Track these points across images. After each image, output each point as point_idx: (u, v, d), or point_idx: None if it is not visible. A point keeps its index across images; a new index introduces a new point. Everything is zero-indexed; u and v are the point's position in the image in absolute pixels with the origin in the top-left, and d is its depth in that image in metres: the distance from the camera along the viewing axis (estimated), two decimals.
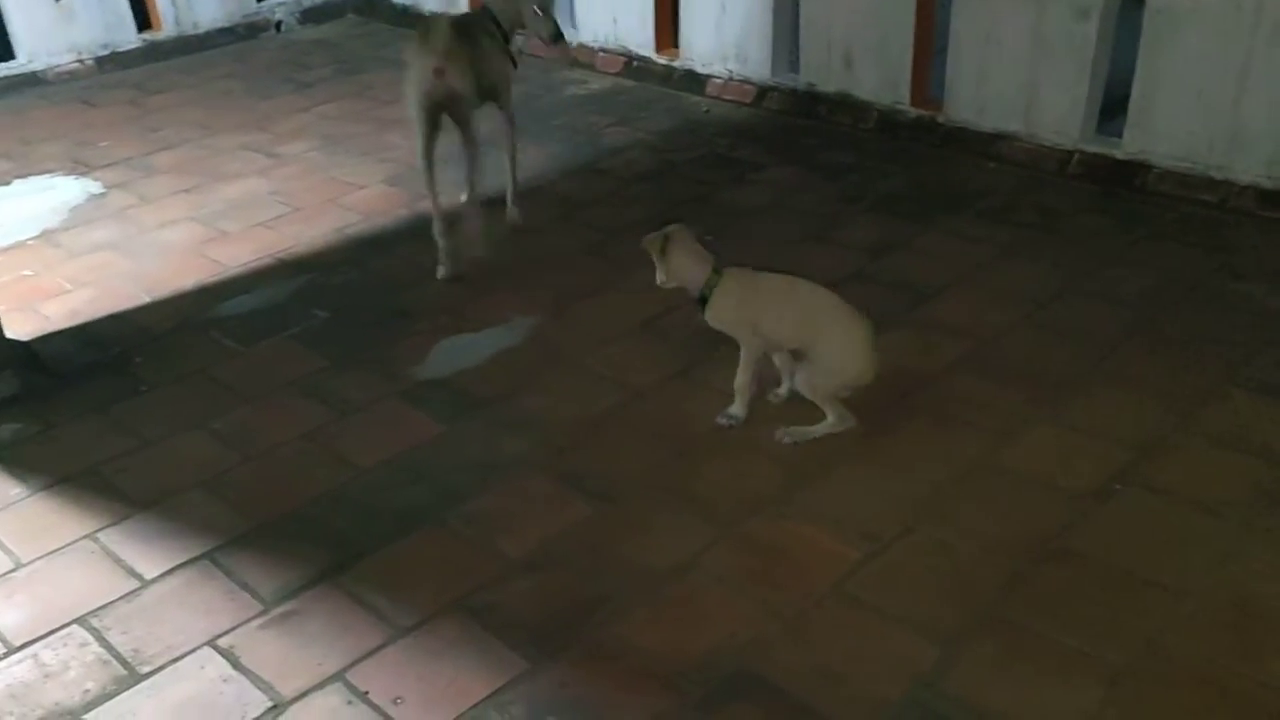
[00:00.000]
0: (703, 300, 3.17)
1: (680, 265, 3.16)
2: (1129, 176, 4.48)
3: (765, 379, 3.26)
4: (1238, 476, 2.85)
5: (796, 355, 3.15)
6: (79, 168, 5.38)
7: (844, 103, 5.38)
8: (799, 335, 3.11)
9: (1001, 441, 3.05)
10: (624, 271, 4.11)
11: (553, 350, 3.66)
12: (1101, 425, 3.08)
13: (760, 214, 4.55)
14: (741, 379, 3.21)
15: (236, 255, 4.44)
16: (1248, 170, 4.21)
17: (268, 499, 3.02)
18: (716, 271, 3.17)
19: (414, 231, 4.60)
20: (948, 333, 3.59)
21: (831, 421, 3.09)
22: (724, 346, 3.28)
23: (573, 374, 3.52)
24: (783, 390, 3.28)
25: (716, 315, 3.19)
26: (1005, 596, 2.52)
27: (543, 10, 4.34)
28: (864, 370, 3.05)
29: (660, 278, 3.21)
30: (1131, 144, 4.48)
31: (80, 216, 4.86)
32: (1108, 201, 4.42)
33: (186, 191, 5.08)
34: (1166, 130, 4.37)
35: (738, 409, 3.23)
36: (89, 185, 5.18)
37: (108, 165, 5.41)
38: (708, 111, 5.72)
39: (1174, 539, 2.66)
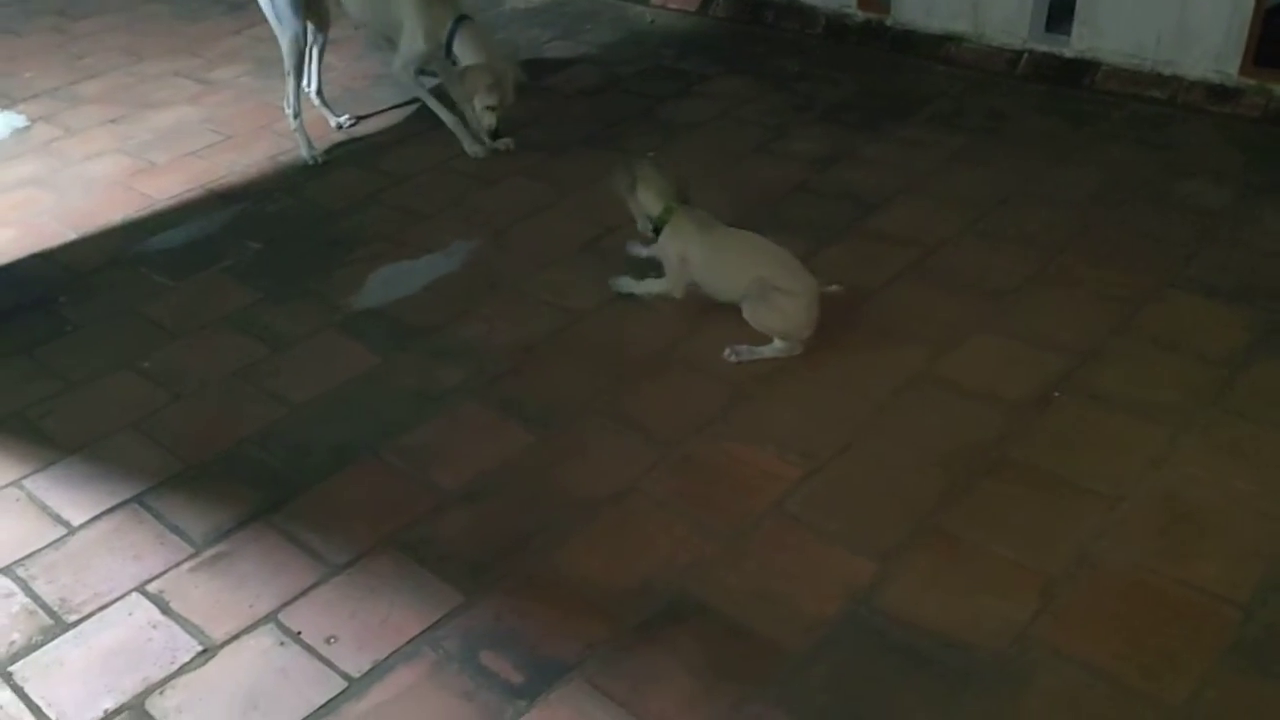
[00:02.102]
0: (656, 232, 3.23)
1: (645, 201, 3.23)
2: (1078, 75, 4.40)
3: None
4: (1175, 379, 2.83)
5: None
6: (1, 100, 5.20)
7: (791, 8, 5.24)
8: (740, 291, 3.08)
9: (942, 352, 3.01)
10: (564, 192, 4.03)
11: (491, 275, 3.58)
12: (1042, 332, 3.04)
13: (706, 127, 4.44)
14: (648, 291, 3.30)
15: (166, 187, 4.31)
16: (1196, 65, 4.14)
17: (199, 439, 2.96)
18: (669, 209, 3.20)
19: (350, 156, 4.48)
20: (892, 243, 3.53)
21: (778, 346, 3.04)
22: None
23: (511, 299, 3.45)
24: None
25: (662, 249, 3.24)
26: (942, 509, 2.50)
27: None
28: (805, 328, 3.03)
29: (641, 223, 3.30)
30: (1080, 41, 4.39)
31: (3, 152, 4.69)
32: (1057, 102, 4.34)
33: (114, 122, 4.91)
34: (1114, 26, 4.28)
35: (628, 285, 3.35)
36: (13, 119, 4.99)
37: (32, 97, 5.22)
38: (652, 22, 5.56)
39: (1110, 445, 2.64)
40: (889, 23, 4.93)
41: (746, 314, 3.07)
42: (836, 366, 3.00)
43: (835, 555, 2.42)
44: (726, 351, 3.06)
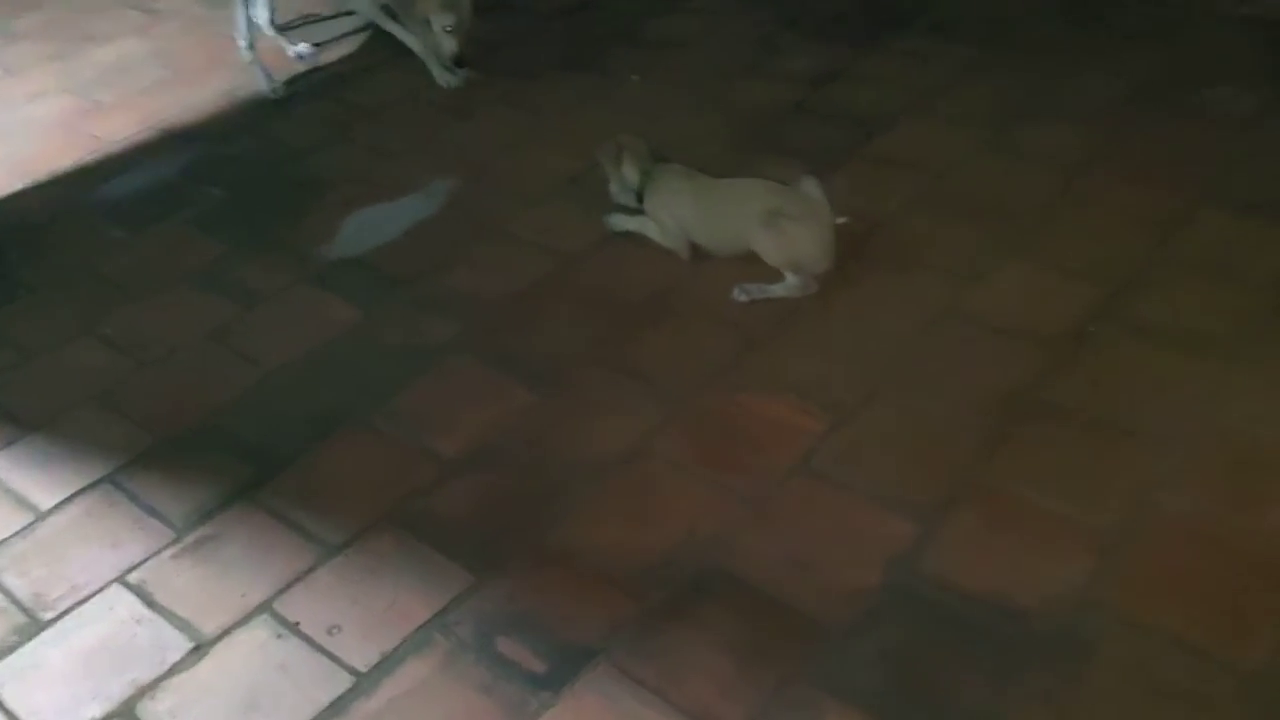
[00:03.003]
0: (639, 199, 3.11)
1: (629, 174, 3.12)
2: None
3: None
4: (1219, 308, 2.64)
5: None
6: None
7: None
8: (744, 240, 2.88)
9: (966, 286, 2.81)
10: (545, 122, 3.78)
11: (475, 216, 3.34)
12: (1072, 260, 2.85)
13: (692, 45, 4.18)
14: (641, 226, 3.12)
15: (117, 129, 4.02)
16: None
17: (171, 410, 2.73)
18: (646, 172, 3.07)
19: (314, 89, 4.19)
20: (901, 167, 3.31)
21: (791, 283, 2.84)
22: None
23: (498, 242, 3.21)
24: None
25: (652, 215, 3.08)
26: (983, 461, 2.33)
27: None
28: (820, 260, 2.83)
29: (614, 189, 3.17)
30: None
31: None
32: (1065, 5, 4.09)
33: (54, 59, 4.59)
34: None
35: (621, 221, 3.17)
36: None
37: None
38: None
39: (1156, 382, 2.46)
40: None
41: (758, 246, 2.86)
42: (853, 305, 2.80)
43: (871, 516, 2.25)
44: (735, 291, 2.85)
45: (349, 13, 4.52)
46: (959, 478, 2.30)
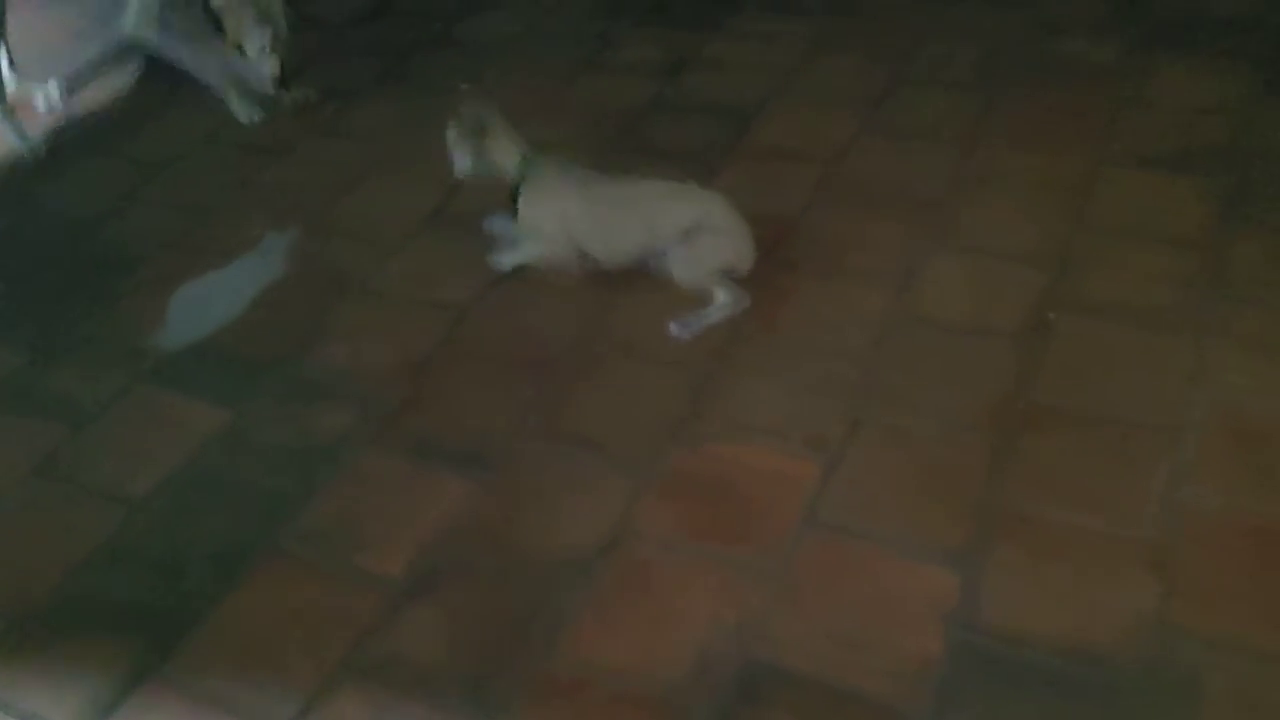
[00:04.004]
0: (514, 196, 2.65)
1: (498, 155, 2.64)
2: None
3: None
4: (1161, 274, 2.55)
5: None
6: None
7: None
8: (634, 252, 2.61)
9: (904, 285, 2.62)
10: (378, 149, 3.35)
11: (330, 274, 2.89)
12: (998, 242, 2.71)
13: (518, 44, 3.81)
14: (532, 254, 2.74)
15: None
16: None
17: (18, 580, 2.20)
18: (526, 159, 2.64)
19: (82, 144, 3.57)
20: (787, 159, 3.09)
21: (725, 302, 2.56)
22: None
23: (368, 303, 2.79)
24: None
25: (533, 219, 2.68)
26: (997, 484, 2.14)
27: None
28: (746, 258, 2.58)
29: (463, 166, 2.65)
30: None
31: None
32: None
33: None
34: None
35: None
36: None
37: None
38: None
39: (1136, 366, 2.34)
40: None
41: (678, 273, 2.57)
42: (797, 323, 2.56)
43: (905, 570, 2.02)
44: (674, 328, 2.56)
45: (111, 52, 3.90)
46: (980, 508, 2.10)
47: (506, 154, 2.66)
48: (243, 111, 3.51)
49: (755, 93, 3.37)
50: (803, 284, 2.66)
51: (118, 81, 3.83)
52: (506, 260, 2.79)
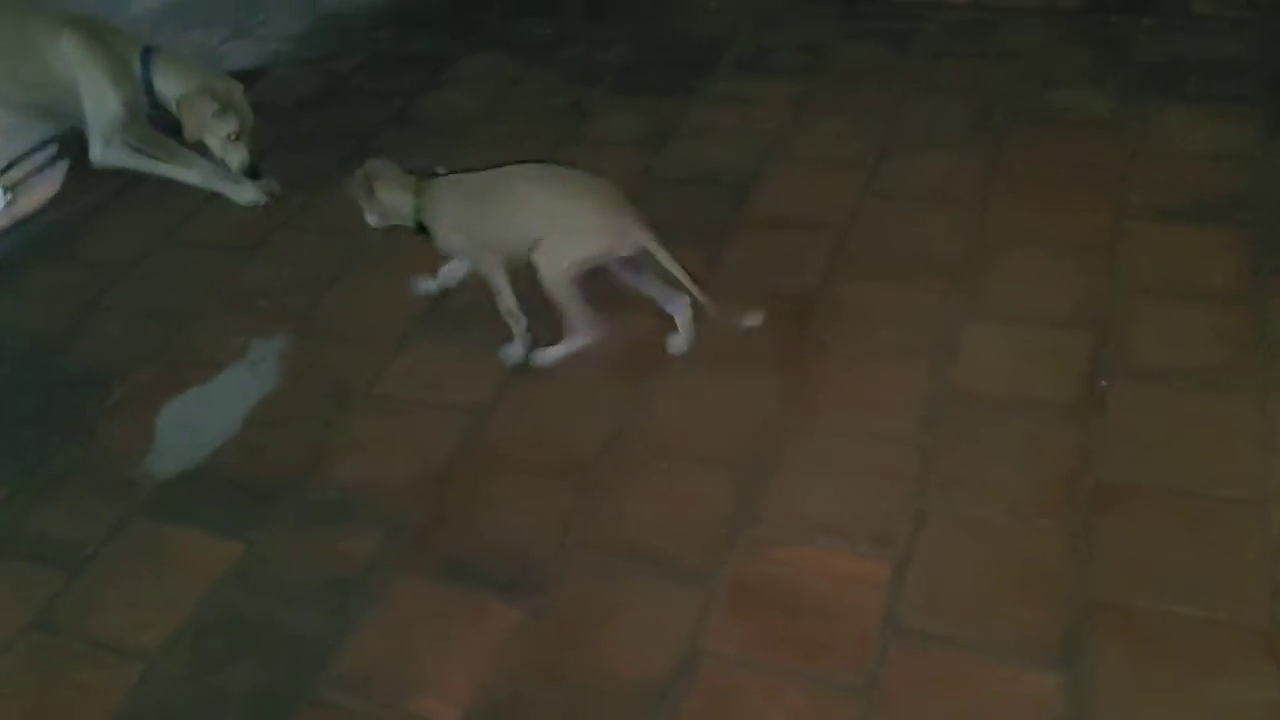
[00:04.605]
0: (422, 227, 2.62)
1: (390, 199, 2.62)
2: None
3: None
4: (1206, 332, 2.49)
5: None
6: None
7: None
8: (528, 233, 2.49)
9: (944, 358, 2.52)
10: (354, 242, 3.14)
11: (329, 381, 2.71)
12: (1032, 307, 2.63)
13: (484, 121, 3.67)
14: (504, 304, 2.62)
15: None
16: None
17: None
18: (417, 189, 2.61)
19: (30, 250, 3.34)
20: (795, 229, 2.99)
21: (577, 334, 2.56)
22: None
23: (376, 411, 2.61)
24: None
25: (445, 239, 2.63)
26: (1084, 573, 2.03)
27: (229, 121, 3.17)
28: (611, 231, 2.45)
29: (373, 220, 2.66)
30: None
31: None
32: (861, 22, 3.91)
33: None
34: None
35: (517, 346, 2.66)
36: None
37: None
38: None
39: (1206, 434, 2.25)
40: None
41: (541, 272, 2.48)
42: (838, 408, 2.45)
43: (1002, 676, 1.90)
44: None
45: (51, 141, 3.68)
46: (1070, 601, 1.99)
47: (397, 194, 2.61)
48: (245, 194, 3.32)
49: (747, 160, 3.27)
50: (837, 364, 2.55)
51: (57, 178, 3.60)
52: (520, 355, 2.64)
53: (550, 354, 2.61)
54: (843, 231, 2.95)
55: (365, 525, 2.32)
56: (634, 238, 2.43)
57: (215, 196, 3.38)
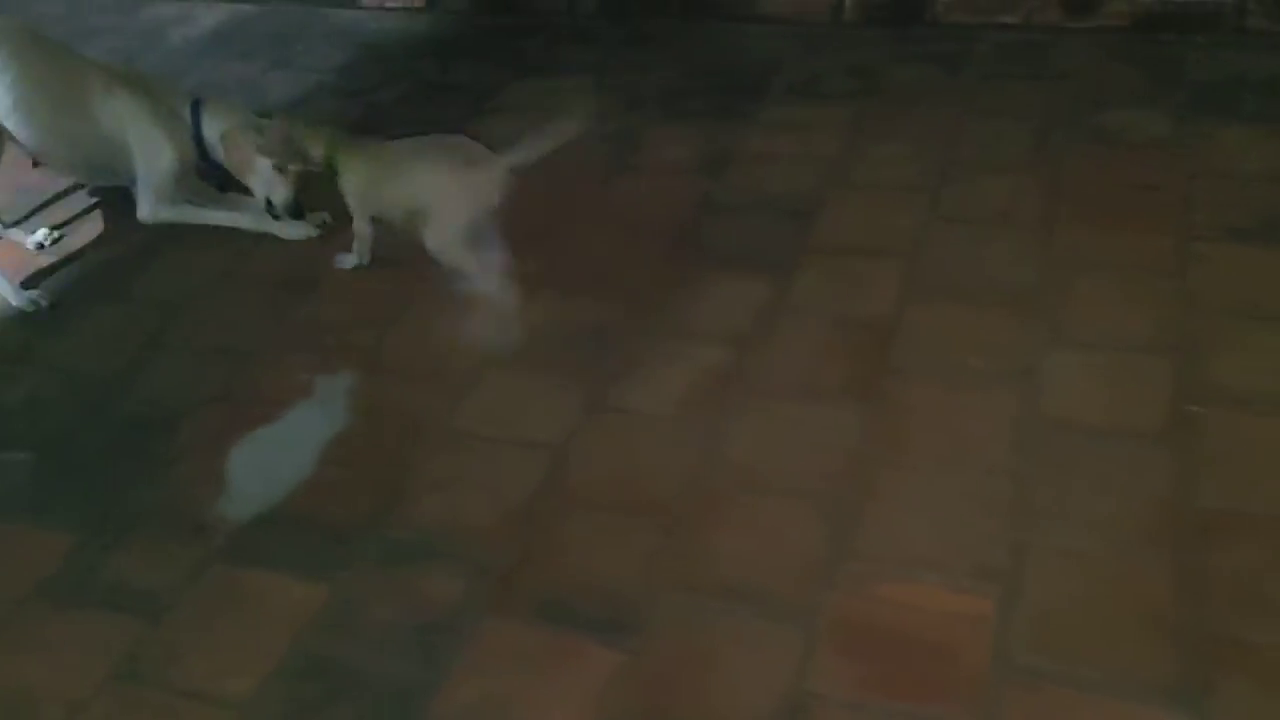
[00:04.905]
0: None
1: (311, 142, 2.98)
2: (916, 12, 3.98)
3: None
4: None
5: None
6: None
7: None
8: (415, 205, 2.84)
9: (1029, 386, 2.48)
10: (411, 276, 3.10)
11: (401, 419, 2.67)
12: (1111, 332, 2.59)
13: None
14: (361, 233, 3.09)
15: None
16: None
17: None
18: (331, 143, 2.98)
19: (84, 291, 3.30)
20: (864, 255, 2.95)
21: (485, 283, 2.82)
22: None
23: (452, 448, 2.57)
24: None
25: (347, 194, 3.01)
26: (1197, 606, 1.99)
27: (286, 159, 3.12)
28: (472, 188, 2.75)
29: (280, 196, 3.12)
30: None
31: None
32: (909, 46, 3.89)
33: None
34: None
35: (352, 258, 3.13)
36: None
37: None
38: None
39: None
40: None
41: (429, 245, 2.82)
42: (925, 438, 2.41)
43: (1127, 714, 1.85)
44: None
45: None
46: (1186, 635, 1.95)
47: (315, 144, 2.96)
48: (295, 231, 3.30)
49: (808, 186, 3.24)
50: (920, 393, 2.51)
51: (103, 219, 3.57)
52: (350, 260, 3.09)
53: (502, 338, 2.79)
54: (910, 257, 2.92)
55: (449, 567, 2.28)
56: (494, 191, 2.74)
57: (264, 239, 3.36)
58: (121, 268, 3.36)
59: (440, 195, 2.78)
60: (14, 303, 3.21)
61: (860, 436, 2.43)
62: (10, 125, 3.22)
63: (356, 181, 2.95)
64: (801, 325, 2.75)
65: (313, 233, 3.31)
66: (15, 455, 2.71)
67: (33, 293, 3.25)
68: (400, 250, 3.21)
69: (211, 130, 3.18)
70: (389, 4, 4.69)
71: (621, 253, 3.08)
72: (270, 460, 2.60)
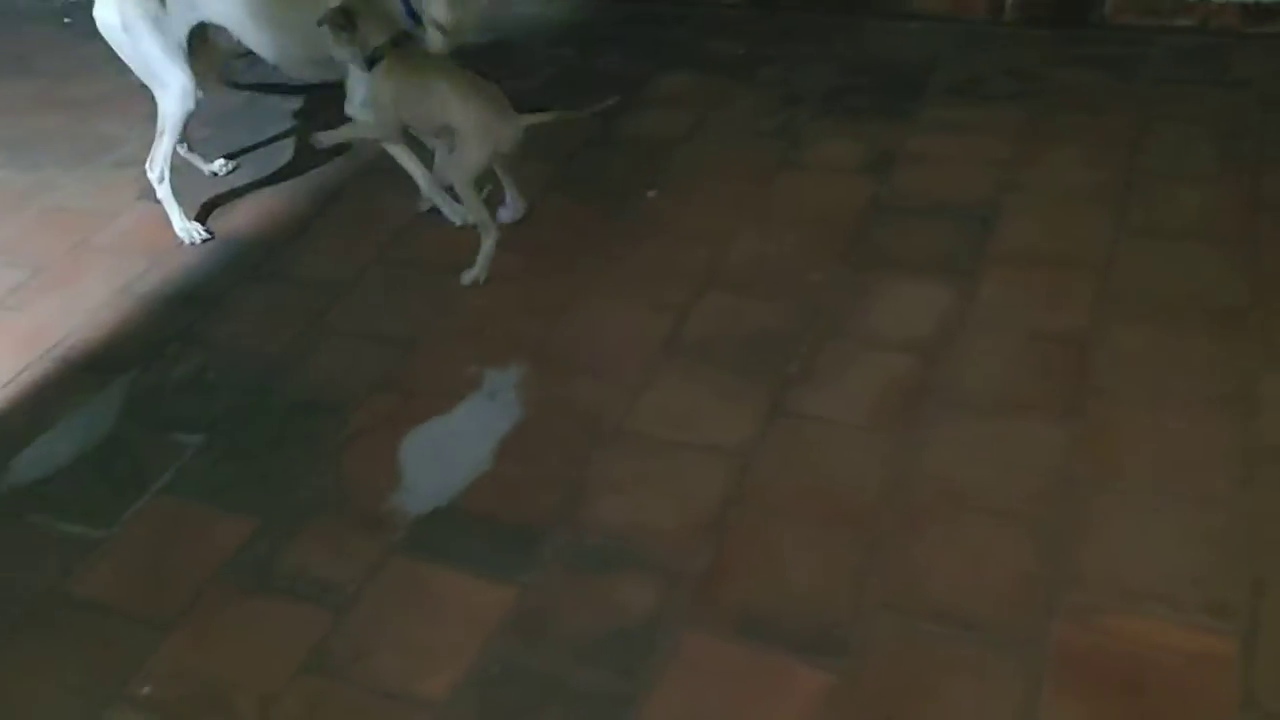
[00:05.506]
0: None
1: (372, 30, 2.97)
2: (1081, 12, 3.84)
3: None
4: None
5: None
6: None
7: None
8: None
9: (1247, 411, 2.35)
10: (578, 266, 3.05)
11: (575, 416, 2.60)
12: None
13: (693, 145, 3.54)
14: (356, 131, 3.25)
15: None
16: None
17: None
18: (390, 41, 2.99)
19: (243, 261, 3.28)
20: (1052, 266, 2.83)
21: (486, 236, 3.02)
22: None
23: (630, 448, 2.49)
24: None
25: (375, 92, 3.04)
26: None
27: None
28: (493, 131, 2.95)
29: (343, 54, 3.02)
30: None
31: None
32: (1075, 48, 3.76)
33: None
34: None
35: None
36: None
37: None
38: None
39: None
40: None
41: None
42: (1139, 462, 2.29)
43: None
44: (463, 277, 3.03)
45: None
46: None
47: (376, 33, 2.97)
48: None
49: (982, 190, 3.13)
50: (1127, 414, 2.40)
51: (257, 201, 3.55)
52: (329, 138, 3.15)
53: (472, 274, 3.02)
54: (1103, 270, 2.79)
55: (640, 574, 2.20)
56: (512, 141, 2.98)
57: (422, 216, 3.31)
58: (276, 248, 3.32)
59: (467, 127, 2.94)
60: (176, 229, 3.31)
61: (1066, 457, 2.32)
62: (242, 27, 3.21)
63: (389, 89, 3.00)
64: (991, 336, 2.64)
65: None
66: (185, 437, 2.67)
67: (194, 225, 3.34)
68: (561, 240, 3.16)
69: None
70: None
71: (791, 253, 2.99)
72: (445, 453, 2.54)
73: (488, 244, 3.03)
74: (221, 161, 3.65)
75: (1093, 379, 2.49)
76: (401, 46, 3.00)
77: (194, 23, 3.21)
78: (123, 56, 3.21)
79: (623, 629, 2.11)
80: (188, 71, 3.20)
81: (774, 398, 2.56)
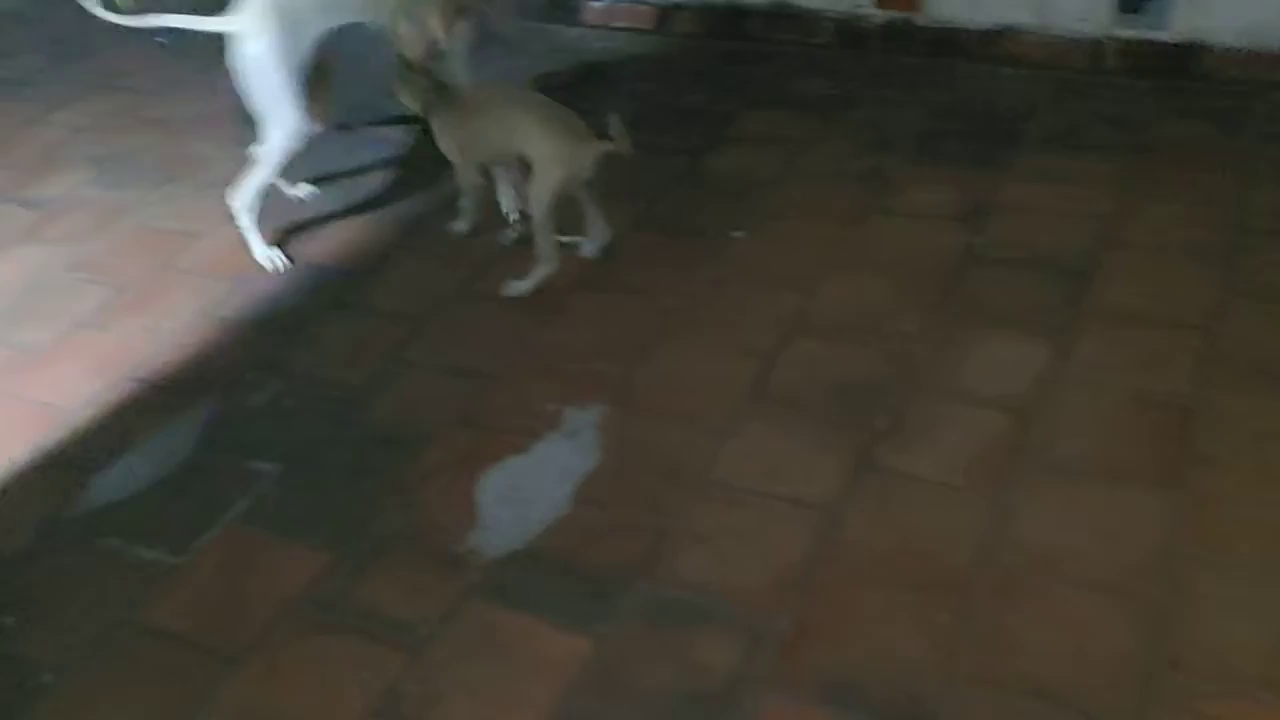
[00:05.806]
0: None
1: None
2: (1183, 64, 3.74)
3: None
4: None
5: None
6: None
7: (782, 15, 4.33)
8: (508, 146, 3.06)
9: None
10: (662, 308, 3.01)
11: (656, 462, 2.54)
12: None
13: (781, 186, 3.49)
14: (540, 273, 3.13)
15: (71, 388, 2.97)
16: None
17: None
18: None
19: (324, 289, 3.27)
20: (1152, 326, 2.73)
21: (544, 270, 3.04)
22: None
23: (713, 497, 2.43)
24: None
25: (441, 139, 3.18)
26: None
27: None
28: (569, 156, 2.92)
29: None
30: (1181, 23, 3.72)
31: None
32: (1177, 99, 3.66)
33: None
34: (1222, 3, 3.64)
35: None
36: None
37: None
38: None
39: None
40: (920, 21, 4.11)
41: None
42: (1245, 540, 2.18)
43: None
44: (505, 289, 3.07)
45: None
46: None
47: (413, 94, 3.11)
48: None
49: (1079, 243, 3.04)
50: (1233, 487, 2.29)
51: (340, 229, 3.55)
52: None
53: (519, 286, 3.05)
54: (1209, 332, 2.69)
55: (721, 631, 2.14)
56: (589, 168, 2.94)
57: (505, 250, 3.29)
58: (358, 277, 3.32)
59: (545, 153, 2.91)
60: (257, 256, 3.33)
61: (1168, 529, 2.22)
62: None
63: (453, 135, 3.08)
64: (1089, 397, 2.55)
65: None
66: (262, 465, 2.66)
67: (275, 251, 3.35)
68: (644, 279, 3.12)
69: None
70: (615, 23, 4.62)
71: (882, 301, 2.92)
72: (522, 493, 2.50)
73: (544, 270, 3.05)
74: (307, 186, 3.66)
75: (1195, 446, 2.39)
76: (446, 92, 3.09)
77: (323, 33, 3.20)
78: (248, 87, 3.15)
79: (702, 689, 2.04)
80: (303, 111, 3.19)
81: (862, 451, 2.49)
